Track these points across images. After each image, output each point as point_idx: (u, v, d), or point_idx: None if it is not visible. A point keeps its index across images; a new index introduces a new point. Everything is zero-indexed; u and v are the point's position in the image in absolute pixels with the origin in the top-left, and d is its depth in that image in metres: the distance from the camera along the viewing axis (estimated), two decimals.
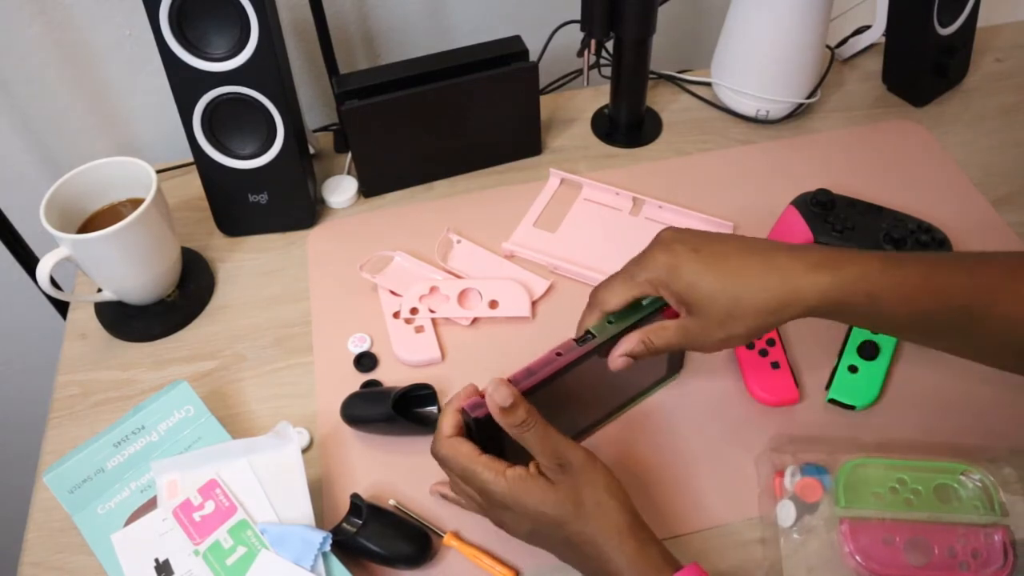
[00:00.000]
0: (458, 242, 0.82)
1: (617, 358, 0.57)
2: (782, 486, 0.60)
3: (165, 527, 0.60)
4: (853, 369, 0.68)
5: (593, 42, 0.85)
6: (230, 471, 0.62)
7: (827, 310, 0.53)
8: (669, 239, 0.57)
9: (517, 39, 0.85)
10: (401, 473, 0.66)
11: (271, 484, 0.62)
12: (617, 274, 0.59)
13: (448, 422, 0.54)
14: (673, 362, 0.68)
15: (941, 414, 0.66)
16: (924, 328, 0.54)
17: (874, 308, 0.52)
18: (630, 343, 0.57)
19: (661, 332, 0.56)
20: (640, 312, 0.58)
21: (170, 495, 0.62)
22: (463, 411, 0.54)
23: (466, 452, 0.53)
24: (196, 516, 0.60)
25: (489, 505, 0.54)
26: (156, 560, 0.59)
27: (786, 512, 0.58)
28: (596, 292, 0.59)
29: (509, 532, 0.56)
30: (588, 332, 0.58)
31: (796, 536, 0.58)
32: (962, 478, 0.60)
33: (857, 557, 0.56)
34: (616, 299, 0.58)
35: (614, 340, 0.57)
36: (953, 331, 0.54)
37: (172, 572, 0.59)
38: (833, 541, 0.57)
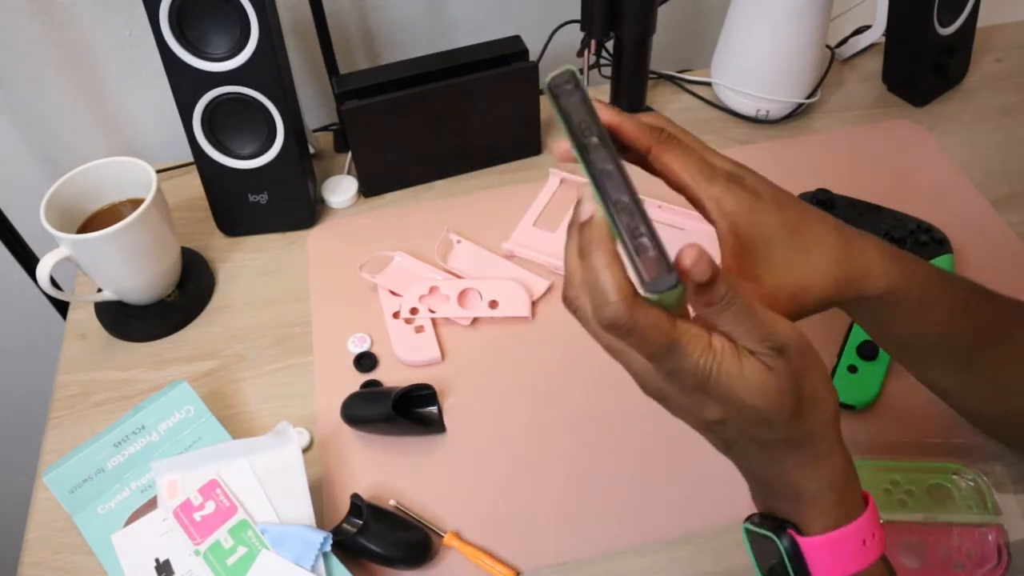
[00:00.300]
0: (458, 242, 0.82)
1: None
2: None
3: (165, 527, 0.60)
4: (852, 369, 0.68)
5: (593, 42, 0.85)
6: (230, 471, 0.63)
7: (874, 301, 0.47)
8: (755, 182, 0.46)
9: (517, 39, 0.85)
10: (401, 473, 0.66)
11: (271, 484, 0.62)
12: (693, 144, 0.47)
13: (619, 276, 0.35)
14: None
15: (938, 413, 0.66)
16: (941, 348, 0.52)
17: (920, 310, 0.49)
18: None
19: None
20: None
21: (170, 495, 0.62)
22: None
23: (657, 318, 0.36)
24: (196, 516, 0.60)
25: (679, 388, 0.39)
26: (156, 560, 0.59)
27: None
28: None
29: (681, 414, 0.41)
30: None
31: None
32: (955, 478, 0.60)
33: None
34: (679, 163, 0.46)
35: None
36: (965, 357, 0.53)
37: (172, 572, 0.59)
38: None
